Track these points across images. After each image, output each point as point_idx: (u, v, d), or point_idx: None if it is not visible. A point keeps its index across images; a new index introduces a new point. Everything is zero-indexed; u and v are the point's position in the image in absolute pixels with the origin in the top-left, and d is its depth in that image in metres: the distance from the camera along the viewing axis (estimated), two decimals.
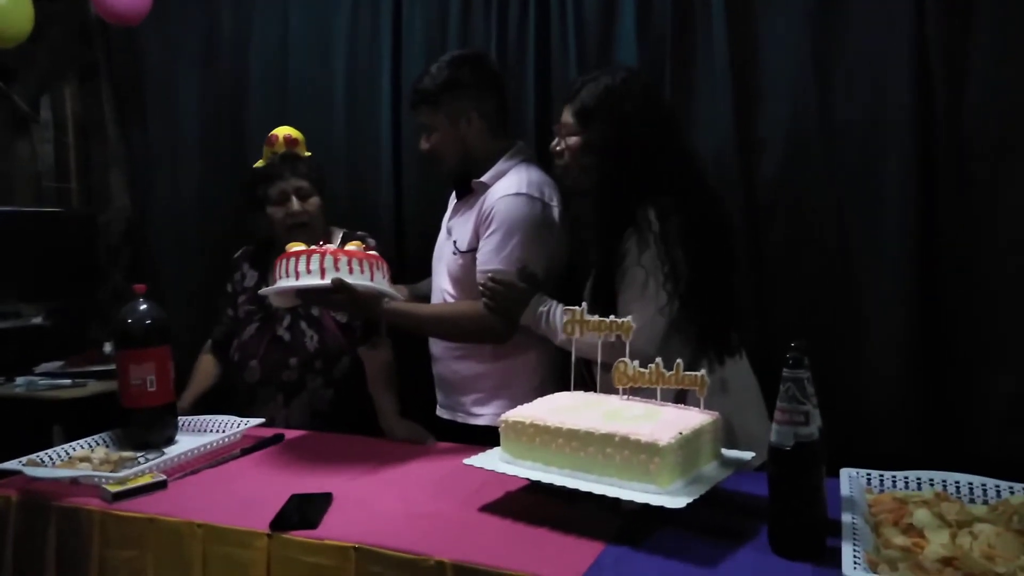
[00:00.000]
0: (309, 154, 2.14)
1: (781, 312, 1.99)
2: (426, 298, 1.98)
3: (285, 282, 1.61)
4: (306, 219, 2.03)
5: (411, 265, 2.23)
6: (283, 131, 2.10)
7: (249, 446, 1.70)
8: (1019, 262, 1.78)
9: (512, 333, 1.73)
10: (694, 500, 1.12)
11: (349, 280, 1.58)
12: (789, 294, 1.99)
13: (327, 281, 1.57)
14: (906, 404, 1.87)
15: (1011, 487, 1.20)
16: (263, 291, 1.77)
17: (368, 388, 2.01)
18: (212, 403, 2.10)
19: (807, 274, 1.97)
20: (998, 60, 1.78)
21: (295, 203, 2.02)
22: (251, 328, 2.08)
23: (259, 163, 2.11)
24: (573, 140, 1.64)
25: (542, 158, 1.84)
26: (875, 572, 0.95)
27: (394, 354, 2.08)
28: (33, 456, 1.58)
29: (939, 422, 1.86)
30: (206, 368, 2.16)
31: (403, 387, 2.03)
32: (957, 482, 1.24)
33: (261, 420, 1.82)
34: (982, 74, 1.80)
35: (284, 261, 1.62)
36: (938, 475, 1.26)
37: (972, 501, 1.21)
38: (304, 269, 1.59)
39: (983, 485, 1.22)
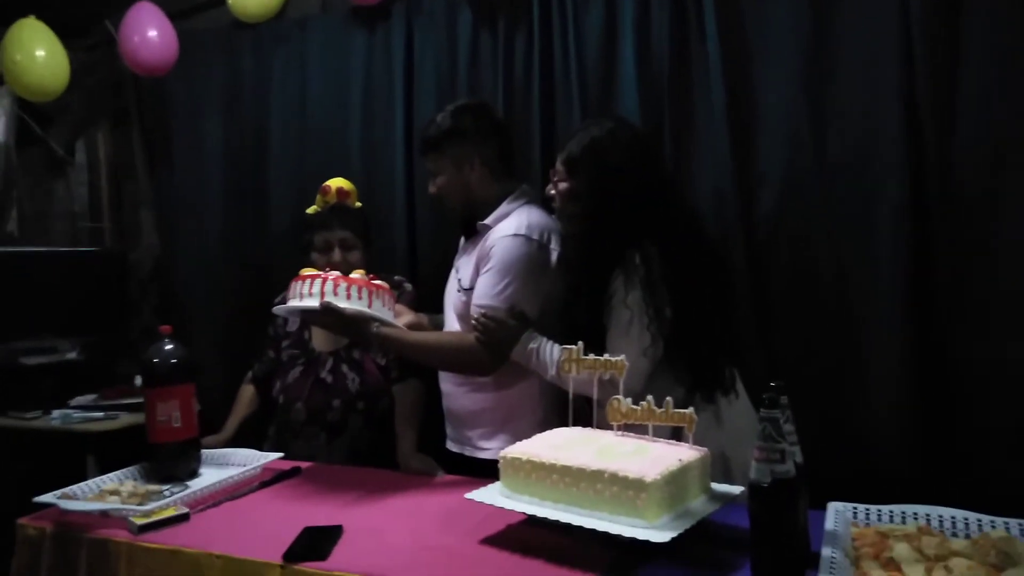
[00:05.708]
0: (360, 205, 2.22)
1: (782, 345, 2.03)
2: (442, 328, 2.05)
3: (292, 303, 1.78)
4: (345, 269, 2.06)
5: (425, 302, 2.31)
6: (336, 183, 2.16)
7: (268, 479, 1.79)
8: (1016, 291, 1.81)
9: (498, 367, 1.79)
10: (680, 534, 1.18)
11: (343, 305, 1.71)
12: (790, 327, 2.03)
13: (316, 304, 1.72)
14: (906, 433, 1.89)
15: (992, 521, 1.24)
16: (275, 310, 1.91)
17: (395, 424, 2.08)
18: (254, 430, 2.25)
19: (806, 306, 2.01)
20: (985, 97, 1.82)
21: (337, 253, 2.10)
22: (295, 371, 2.17)
23: (311, 209, 2.19)
24: (563, 186, 1.71)
25: (547, 200, 1.92)
26: None
27: (425, 393, 2.12)
28: (67, 489, 1.66)
29: (940, 450, 1.89)
30: (247, 397, 2.30)
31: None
32: (940, 516, 1.27)
33: (280, 454, 1.90)
34: (970, 111, 1.84)
35: (294, 283, 1.79)
36: (922, 509, 1.29)
37: (955, 535, 1.24)
38: (307, 292, 1.75)
39: (965, 519, 1.26)
